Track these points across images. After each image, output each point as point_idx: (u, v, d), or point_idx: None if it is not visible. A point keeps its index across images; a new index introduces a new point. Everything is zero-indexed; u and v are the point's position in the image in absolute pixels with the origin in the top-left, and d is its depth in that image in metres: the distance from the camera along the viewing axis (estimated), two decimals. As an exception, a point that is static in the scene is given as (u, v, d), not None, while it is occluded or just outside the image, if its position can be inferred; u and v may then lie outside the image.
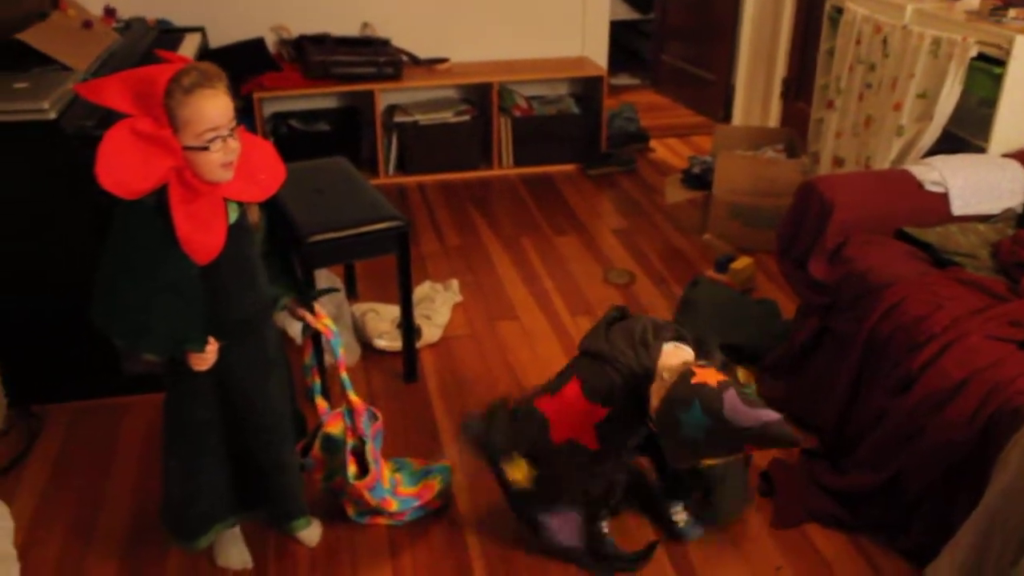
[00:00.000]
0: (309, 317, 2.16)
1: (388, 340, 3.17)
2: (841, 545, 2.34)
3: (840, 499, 2.41)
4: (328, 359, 2.80)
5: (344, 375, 2.22)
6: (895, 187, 2.85)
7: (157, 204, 1.76)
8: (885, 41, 3.44)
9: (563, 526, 2.22)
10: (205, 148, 1.74)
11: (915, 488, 2.19)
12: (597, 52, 5.20)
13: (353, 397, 2.24)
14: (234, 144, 1.79)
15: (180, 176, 1.75)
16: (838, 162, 3.84)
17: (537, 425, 2.13)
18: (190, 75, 1.72)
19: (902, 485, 2.23)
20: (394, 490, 2.37)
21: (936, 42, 3.17)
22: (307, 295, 2.17)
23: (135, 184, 1.71)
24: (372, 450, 2.27)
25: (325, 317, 2.18)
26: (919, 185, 2.82)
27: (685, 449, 1.86)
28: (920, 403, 2.19)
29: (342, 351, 2.20)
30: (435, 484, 2.43)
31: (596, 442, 2.07)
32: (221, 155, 1.77)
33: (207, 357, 1.89)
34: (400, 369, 3.04)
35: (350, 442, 2.24)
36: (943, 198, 2.79)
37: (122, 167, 1.69)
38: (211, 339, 1.89)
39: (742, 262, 3.62)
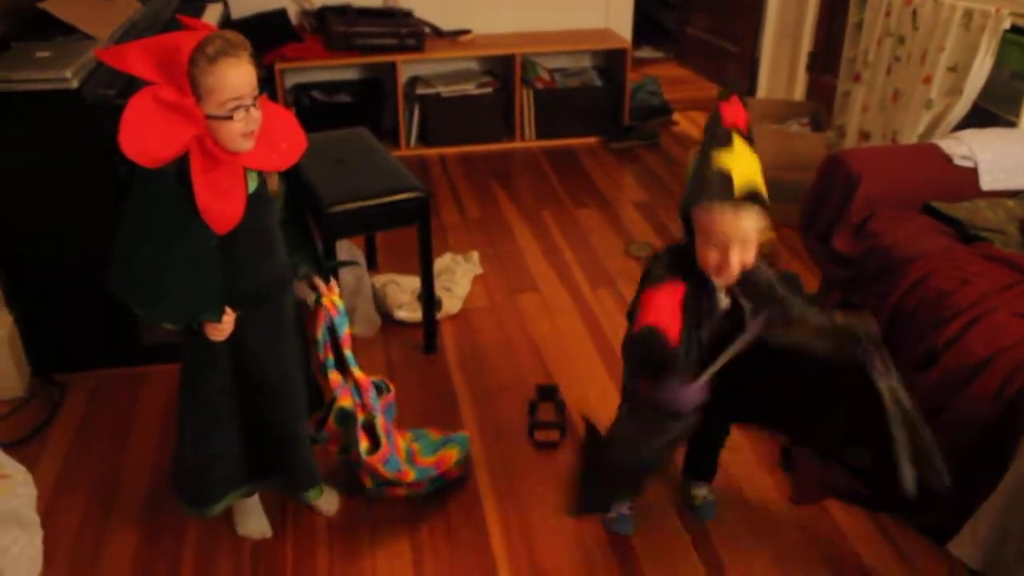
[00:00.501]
0: (323, 287, 2.15)
1: (408, 311, 3.16)
2: (861, 521, 2.33)
3: (859, 474, 2.39)
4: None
5: (348, 351, 2.20)
6: (923, 161, 2.82)
7: (177, 173, 1.76)
8: (915, 13, 3.39)
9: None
10: (228, 117, 1.73)
11: (937, 466, 2.17)
12: (621, 24, 5.15)
13: (358, 373, 2.22)
14: (256, 114, 1.77)
15: (201, 145, 1.73)
16: (864, 136, 3.79)
17: (657, 339, 1.85)
18: (214, 43, 1.70)
19: (924, 462, 2.21)
20: (412, 459, 2.37)
21: (968, 14, 3.12)
22: (325, 267, 2.17)
23: (158, 152, 1.70)
24: (383, 423, 2.26)
25: (334, 294, 2.17)
26: (947, 159, 2.78)
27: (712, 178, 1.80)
28: (944, 379, 2.16)
29: (347, 329, 2.18)
30: (453, 454, 2.43)
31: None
32: (243, 124, 1.75)
33: (223, 327, 1.89)
34: (420, 341, 3.04)
35: (360, 418, 2.24)
36: (972, 173, 2.76)
37: (145, 135, 1.68)
38: (228, 309, 1.89)
39: (764, 235, 3.58)
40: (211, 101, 1.71)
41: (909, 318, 2.35)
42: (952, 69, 3.22)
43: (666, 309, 1.88)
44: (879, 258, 2.56)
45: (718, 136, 1.82)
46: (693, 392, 1.89)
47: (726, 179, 1.78)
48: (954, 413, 2.11)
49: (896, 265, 2.48)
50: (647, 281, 1.95)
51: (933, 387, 2.17)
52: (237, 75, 1.72)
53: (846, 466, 2.40)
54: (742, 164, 1.80)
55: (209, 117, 1.72)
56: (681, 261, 1.92)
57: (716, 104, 1.89)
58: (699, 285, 1.90)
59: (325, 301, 2.15)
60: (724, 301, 1.93)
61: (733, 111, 1.85)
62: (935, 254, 2.44)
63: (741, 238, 1.81)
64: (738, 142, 1.82)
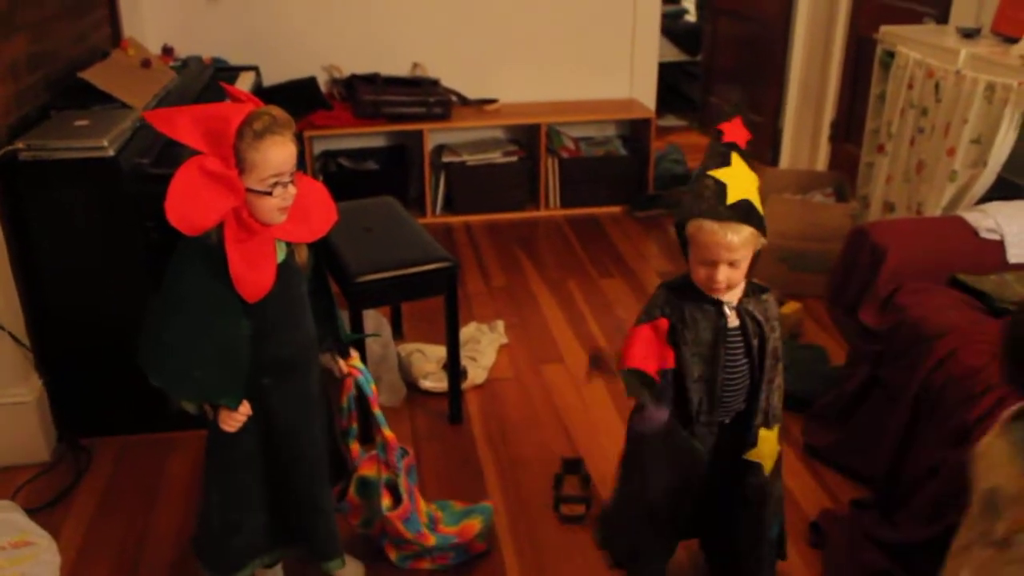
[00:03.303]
0: (340, 365, 2.17)
1: (434, 381, 3.16)
2: (893, 600, 2.28)
3: (893, 553, 2.35)
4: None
5: (377, 411, 2.22)
6: (949, 234, 2.81)
7: (210, 242, 1.79)
8: (938, 86, 3.41)
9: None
10: (268, 193, 1.77)
11: (971, 545, 2.13)
12: (645, 94, 5.21)
13: (387, 432, 2.23)
14: (292, 190, 1.81)
15: (237, 215, 1.77)
16: (888, 207, 3.79)
17: (637, 379, 1.95)
18: (262, 120, 1.74)
19: (957, 541, 2.17)
20: (434, 527, 2.36)
21: (990, 87, 3.13)
22: (345, 339, 2.18)
23: (199, 221, 1.73)
24: (405, 482, 2.27)
25: (354, 358, 2.19)
26: (974, 232, 2.78)
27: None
28: (976, 456, 2.13)
29: (373, 387, 2.19)
30: (476, 524, 2.41)
31: (673, 360, 1.95)
32: (280, 200, 1.79)
33: (237, 418, 1.91)
34: (445, 410, 3.03)
35: (384, 476, 2.24)
36: (999, 245, 2.75)
37: (189, 204, 1.72)
38: (244, 402, 1.91)
39: (790, 307, 3.58)
40: (253, 176, 1.75)
41: (939, 393, 2.33)
42: (976, 141, 3.23)
43: (646, 347, 1.94)
44: (907, 332, 2.54)
45: (717, 154, 1.88)
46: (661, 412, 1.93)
47: (720, 193, 1.83)
48: (987, 491, 2.07)
49: (924, 339, 2.46)
50: (637, 320, 2.00)
51: (966, 464, 2.14)
52: (280, 153, 1.76)
53: (878, 543, 2.37)
54: (737, 180, 1.85)
55: (249, 191, 1.76)
56: (679, 289, 1.96)
57: (717, 126, 1.93)
58: (701, 306, 1.93)
59: (347, 368, 2.17)
60: (732, 319, 1.95)
61: (734, 130, 1.89)
62: (963, 328, 2.42)
63: (729, 255, 1.84)
64: (736, 160, 1.86)
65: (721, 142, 1.89)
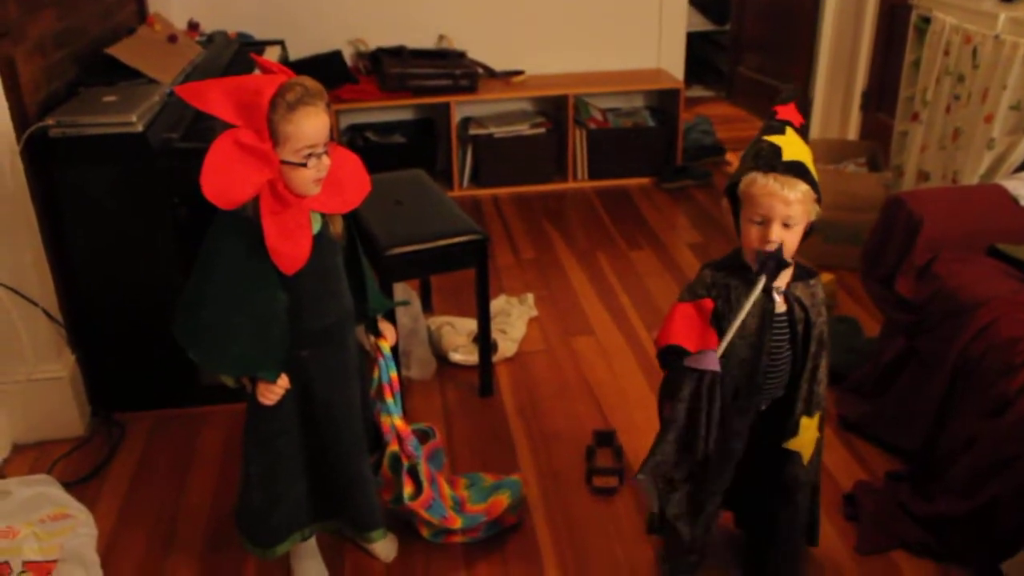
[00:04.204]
0: (369, 342, 2.17)
1: (464, 354, 3.16)
2: (929, 572, 2.26)
3: (928, 526, 2.33)
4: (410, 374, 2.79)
5: (388, 400, 2.17)
6: (987, 202, 2.77)
7: (247, 215, 1.78)
8: (975, 51, 3.35)
9: None
10: (303, 164, 1.76)
11: (1011, 519, 2.10)
12: (674, 64, 5.15)
13: (397, 422, 2.20)
14: (327, 161, 1.80)
15: (272, 188, 1.76)
16: (923, 176, 3.74)
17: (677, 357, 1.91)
18: (294, 91, 1.73)
19: (996, 514, 2.14)
20: (460, 507, 2.35)
21: (1030, 53, 3.08)
22: (371, 316, 2.17)
23: (235, 195, 1.73)
24: (425, 470, 2.26)
25: (385, 339, 2.17)
26: (1013, 200, 2.73)
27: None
28: (1016, 427, 2.10)
29: (392, 375, 2.17)
30: (504, 499, 2.40)
31: (715, 342, 1.87)
32: (315, 171, 1.78)
33: (276, 390, 1.90)
34: (476, 383, 3.03)
35: (405, 464, 2.24)
36: (1039, 214, 2.70)
37: (225, 177, 1.71)
38: (283, 375, 1.90)
39: (823, 278, 3.53)
40: (287, 148, 1.74)
41: (977, 364, 2.30)
42: (1015, 108, 3.17)
43: (687, 325, 1.89)
44: (944, 302, 2.51)
45: (771, 127, 1.86)
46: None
47: (775, 151, 1.81)
48: (1028, 463, 2.05)
49: (962, 309, 2.43)
50: (680, 296, 1.96)
51: (1005, 435, 2.12)
52: (314, 124, 1.75)
53: (912, 515, 2.35)
54: (792, 146, 1.82)
55: (283, 163, 1.75)
56: (724, 270, 1.92)
57: (773, 107, 1.91)
58: (749, 289, 1.87)
59: (373, 351, 2.16)
60: (780, 304, 1.91)
61: (788, 112, 1.88)
62: (1003, 298, 2.38)
63: (785, 209, 1.80)
64: (791, 132, 1.84)
65: (775, 119, 1.87)
